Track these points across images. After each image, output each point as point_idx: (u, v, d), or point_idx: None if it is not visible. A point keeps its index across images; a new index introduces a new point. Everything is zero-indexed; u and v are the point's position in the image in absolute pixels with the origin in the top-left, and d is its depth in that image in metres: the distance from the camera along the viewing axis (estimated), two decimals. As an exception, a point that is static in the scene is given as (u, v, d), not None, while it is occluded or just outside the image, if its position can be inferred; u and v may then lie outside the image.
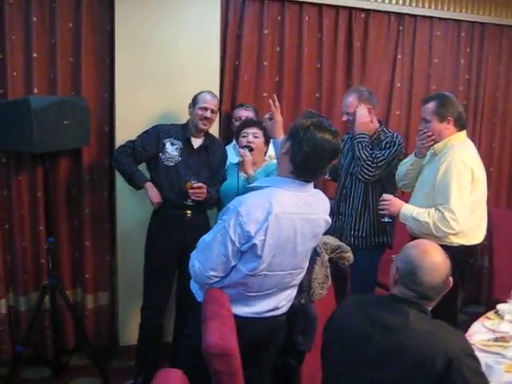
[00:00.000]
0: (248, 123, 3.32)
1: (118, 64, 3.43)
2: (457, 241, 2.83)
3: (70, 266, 3.63)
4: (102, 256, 3.69)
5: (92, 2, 3.44)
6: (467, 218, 2.78)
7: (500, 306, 2.73)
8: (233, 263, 2.06)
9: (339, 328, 1.87)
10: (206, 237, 2.14)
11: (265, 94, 3.92)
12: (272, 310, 2.22)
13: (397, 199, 2.99)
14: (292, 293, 2.32)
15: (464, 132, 3.00)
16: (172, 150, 3.22)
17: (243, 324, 2.08)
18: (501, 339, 2.38)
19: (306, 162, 2.03)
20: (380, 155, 3.15)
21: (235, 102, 3.86)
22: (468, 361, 1.62)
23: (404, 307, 1.75)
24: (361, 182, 3.25)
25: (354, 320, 1.82)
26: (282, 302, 2.25)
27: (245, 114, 3.61)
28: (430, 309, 1.82)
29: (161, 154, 3.22)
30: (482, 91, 4.66)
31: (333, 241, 2.69)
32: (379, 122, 3.37)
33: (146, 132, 3.28)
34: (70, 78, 3.45)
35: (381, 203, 3.01)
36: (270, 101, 2.62)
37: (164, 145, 3.23)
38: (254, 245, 2.00)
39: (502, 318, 2.63)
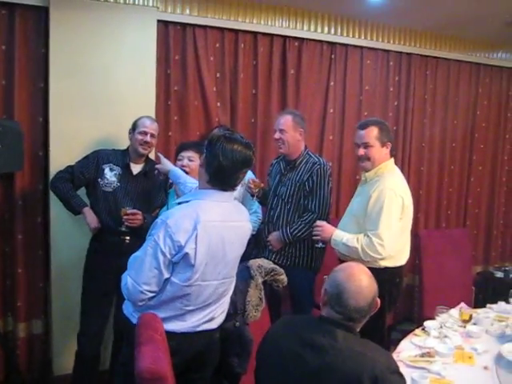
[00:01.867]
0: (184, 146, 3.35)
1: (53, 88, 3.40)
2: (384, 264, 2.90)
3: (0, 295, 3.52)
4: (35, 283, 3.59)
5: (26, 26, 3.42)
6: (395, 243, 2.87)
7: (427, 323, 2.85)
8: (165, 275, 2.09)
9: (271, 349, 1.90)
10: (137, 253, 2.17)
11: (217, 119, 4.03)
12: (207, 321, 2.24)
13: (329, 225, 3.05)
14: (225, 301, 2.34)
15: (393, 160, 3.08)
16: (111, 175, 3.22)
17: (180, 340, 2.10)
18: (427, 354, 2.47)
19: (219, 170, 2.13)
20: (317, 203, 3.33)
21: (184, 127, 3.96)
22: (393, 378, 1.68)
23: (332, 328, 1.79)
24: (287, 203, 3.37)
25: (285, 341, 1.86)
26: (216, 312, 2.28)
27: None
28: (358, 329, 1.87)
29: (99, 180, 3.21)
30: (410, 117, 4.89)
31: (266, 264, 2.74)
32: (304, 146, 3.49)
33: (85, 157, 3.27)
34: (3, 101, 3.41)
35: (314, 229, 3.07)
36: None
37: (103, 170, 3.22)
38: (186, 254, 2.05)
39: (428, 334, 2.75)
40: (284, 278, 2.76)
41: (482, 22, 4.45)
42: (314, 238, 3.09)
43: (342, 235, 2.95)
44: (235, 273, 2.37)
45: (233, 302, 2.50)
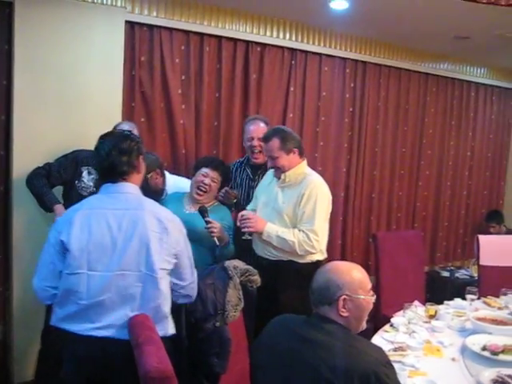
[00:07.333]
0: (211, 165, 3.25)
1: (17, 86, 3.30)
2: (316, 257, 3.09)
3: (-42, 300, 3.38)
4: (-5, 287, 3.48)
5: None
6: (326, 238, 3.12)
7: (394, 320, 2.98)
8: (59, 268, 2.09)
9: (268, 348, 1.94)
10: None
11: (181, 122, 4.04)
12: (108, 326, 2.06)
13: (260, 218, 3.07)
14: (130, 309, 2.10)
15: (305, 161, 3.18)
16: (88, 179, 3.17)
17: (79, 343, 2.04)
18: (399, 349, 2.60)
19: (99, 164, 2.24)
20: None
21: (150, 129, 3.95)
22: (387, 369, 1.78)
23: (327, 325, 1.86)
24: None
25: (282, 338, 1.90)
26: (121, 318, 2.07)
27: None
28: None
29: (76, 182, 3.16)
30: (364, 123, 5.08)
31: (241, 264, 2.78)
32: None
33: (64, 156, 3.20)
34: (-39, 98, 3.28)
35: (242, 220, 3.01)
36: None
37: (81, 173, 3.17)
38: (62, 241, 2.07)
39: (397, 330, 2.87)
40: (258, 278, 2.80)
41: (432, 36, 4.71)
42: (244, 230, 3.03)
43: (276, 228, 3.02)
44: (154, 269, 2.09)
45: (213, 302, 2.53)
